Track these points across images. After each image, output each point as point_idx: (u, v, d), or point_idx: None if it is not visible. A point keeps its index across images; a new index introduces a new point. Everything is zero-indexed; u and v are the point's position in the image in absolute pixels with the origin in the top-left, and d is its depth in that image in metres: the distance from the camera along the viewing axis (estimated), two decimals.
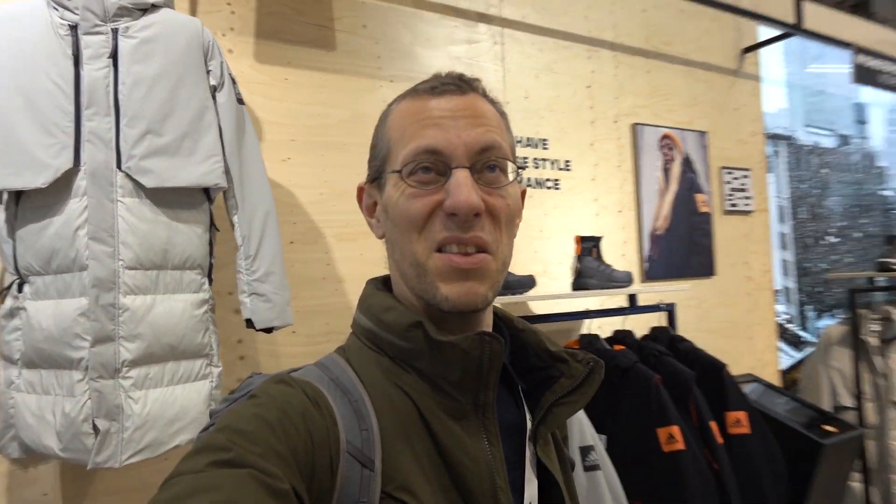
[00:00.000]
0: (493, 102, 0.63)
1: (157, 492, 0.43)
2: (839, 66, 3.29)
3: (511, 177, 0.60)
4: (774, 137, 3.11)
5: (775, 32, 2.92)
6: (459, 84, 0.61)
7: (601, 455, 1.73)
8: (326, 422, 0.53)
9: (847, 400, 2.91)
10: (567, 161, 2.41)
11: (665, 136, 2.68)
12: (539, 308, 2.24)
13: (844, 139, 3.44)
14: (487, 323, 0.64)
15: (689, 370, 2.00)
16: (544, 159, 2.36)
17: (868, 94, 3.59)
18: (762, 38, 3.02)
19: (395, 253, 0.61)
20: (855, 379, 2.89)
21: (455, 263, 0.56)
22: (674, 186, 2.70)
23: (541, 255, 2.31)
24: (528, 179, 2.30)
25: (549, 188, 2.36)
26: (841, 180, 3.39)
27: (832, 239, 3.34)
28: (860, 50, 2.95)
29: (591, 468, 1.69)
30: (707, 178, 2.81)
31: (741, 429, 2.03)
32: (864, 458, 2.75)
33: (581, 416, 1.73)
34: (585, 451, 1.70)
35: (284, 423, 0.50)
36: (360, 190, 0.67)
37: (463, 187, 0.55)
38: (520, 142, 2.29)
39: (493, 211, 0.57)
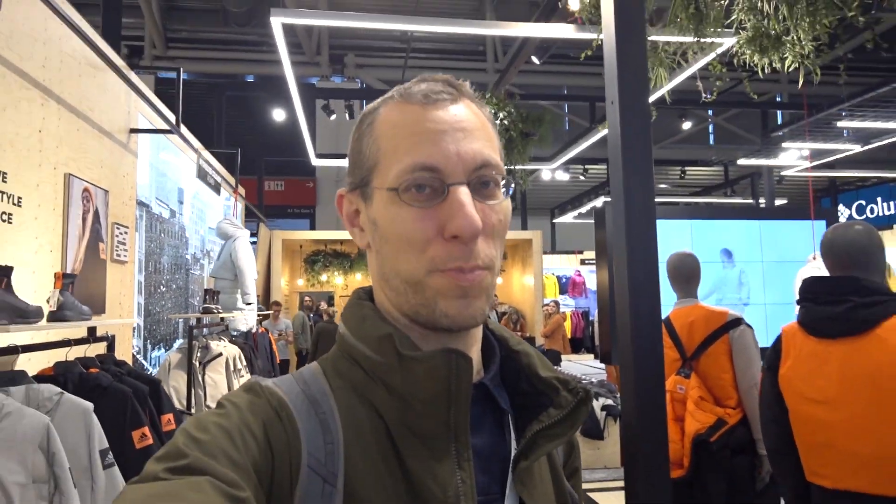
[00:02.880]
0: (480, 107, 0.61)
1: (115, 500, 0.43)
2: (177, 155, 4.37)
3: (503, 192, 0.58)
4: (140, 204, 3.87)
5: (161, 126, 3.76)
6: (451, 91, 0.59)
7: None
8: (288, 434, 0.52)
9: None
10: (20, 197, 2.47)
11: (85, 189, 3.03)
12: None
13: (173, 213, 4.52)
14: (477, 339, 0.62)
15: (142, 385, 2.52)
16: (2, 192, 2.36)
17: (186, 182, 4.83)
18: (143, 126, 3.78)
19: (383, 267, 0.58)
20: (187, 393, 3.88)
21: (458, 281, 0.54)
22: (87, 234, 3.06)
23: None
24: None
25: (3, 221, 2.36)
26: (170, 244, 4.42)
27: (163, 288, 4.30)
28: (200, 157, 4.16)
29: (108, 466, 2.02)
30: (106, 231, 3.28)
31: (171, 426, 2.68)
32: None
33: (93, 420, 2.02)
34: (104, 453, 2.01)
35: (244, 432, 0.49)
36: (341, 197, 0.64)
37: (466, 208, 0.53)
38: None
39: (488, 228, 0.56)
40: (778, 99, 12.07)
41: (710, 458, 2.30)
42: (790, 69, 3.58)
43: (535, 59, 5.84)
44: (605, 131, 2.32)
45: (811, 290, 1.77)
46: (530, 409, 0.62)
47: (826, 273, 1.81)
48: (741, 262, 5.95)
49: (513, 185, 0.61)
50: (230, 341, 4.34)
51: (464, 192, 0.54)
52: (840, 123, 7.28)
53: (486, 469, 0.57)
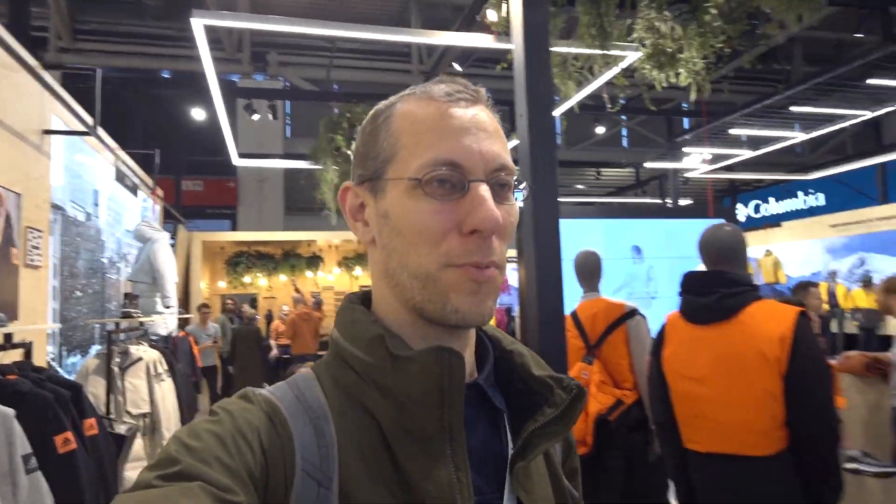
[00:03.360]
0: (494, 113, 0.62)
1: None
2: (92, 156, 4.26)
3: (517, 194, 0.59)
4: (55, 207, 3.76)
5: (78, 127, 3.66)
6: (471, 94, 0.59)
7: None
8: (282, 439, 0.52)
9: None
10: None
11: None
12: None
13: (89, 215, 4.39)
14: (472, 339, 0.62)
15: (64, 390, 2.51)
16: None
17: (102, 184, 4.69)
18: (57, 127, 3.68)
19: (390, 262, 0.58)
20: (106, 398, 3.81)
21: (474, 276, 0.54)
22: None
23: None
24: None
25: None
26: (85, 248, 4.29)
27: (79, 293, 4.18)
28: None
29: (31, 471, 2.02)
30: (18, 235, 3.19)
31: (93, 431, 2.67)
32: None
33: (14, 425, 2.02)
34: (26, 458, 2.02)
35: (237, 439, 0.49)
36: (346, 190, 0.63)
37: (486, 203, 0.54)
38: None
39: (502, 228, 0.56)
40: (684, 106, 12.93)
41: (610, 436, 2.57)
42: (685, 83, 3.95)
43: (456, 66, 6.06)
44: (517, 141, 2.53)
45: (688, 283, 2.04)
46: (525, 408, 0.62)
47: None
48: (650, 259, 6.33)
49: (525, 191, 0.61)
50: (150, 346, 4.27)
51: (485, 189, 0.55)
52: (733, 131, 7.96)
53: (482, 470, 0.57)
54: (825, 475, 1.77)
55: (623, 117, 14.31)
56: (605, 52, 3.57)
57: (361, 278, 12.05)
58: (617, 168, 12.64)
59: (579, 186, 14.77)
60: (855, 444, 3.44)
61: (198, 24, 4.44)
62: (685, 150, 8.31)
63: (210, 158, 12.72)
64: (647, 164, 9.18)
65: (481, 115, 0.59)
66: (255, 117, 8.00)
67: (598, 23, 3.66)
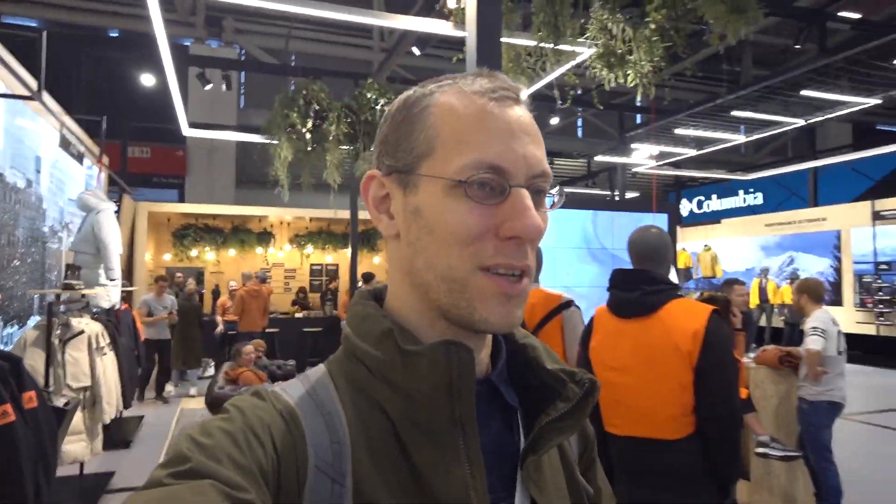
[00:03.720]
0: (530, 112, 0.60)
1: None
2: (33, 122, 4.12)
3: (548, 202, 0.59)
4: None
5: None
6: (514, 93, 0.58)
7: None
8: (294, 436, 0.52)
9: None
10: None
11: None
12: None
13: (29, 182, 4.27)
14: (486, 336, 0.61)
15: (2, 362, 2.49)
16: None
17: (45, 150, 4.54)
18: None
19: (416, 259, 0.57)
20: (45, 371, 3.75)
21: (505, 289, 0.54)
22: None
23: None
24: None
25: None
26: (25, 215, 4.17)
27: (17, 262, 4.08)
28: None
29: None
30: None
31: (32, 404, 2.66)
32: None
33: None
34: None
35: (248, 436, 0.50)
36: (371, 179, 0.61)
37: (529, 210, 0.53)
38: None
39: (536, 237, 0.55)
40: (639, 102, 13.29)
41: None
42: (632, 84, 4.13)
43: (415, 50, 6.08)
44: None
45: (615, 279, 2.20)
46: (538, 402, 0.61)
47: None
48: (596, 249, 6.56)
49: (557, 198, 0.60)
50: (92, 318, 4.21)
51: (526, 195, 0.54)
52: (678, 130, 8.29)
53: (494, 467, 0.56)
54: (728, 457, 1.98)
55: (579, 109, 14.60)
56: (557, 47, 3.70)
57: (312, 256, 12.00)
58: (570, 159, 12.92)
59: None
60: (766, 430, 3.75)
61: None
62: (633, 146, 8.61)
63: (158, 126, 12.32)
64: (598, 158, 9.44)
65: (525, 116, 0.57)
66: (208, 87, 7.81)
67: (552, 21, 3.77)
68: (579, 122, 17.24)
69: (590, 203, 10.16)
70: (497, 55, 2.86)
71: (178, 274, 9.56)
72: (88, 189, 5.40)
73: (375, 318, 0.58)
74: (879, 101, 7.21)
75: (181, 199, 13.88)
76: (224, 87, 8.04)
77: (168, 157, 14.24)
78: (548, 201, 0.59)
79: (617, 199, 9.98)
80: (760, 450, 3.67)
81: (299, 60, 15.15)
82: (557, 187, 0.59)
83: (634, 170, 10.52)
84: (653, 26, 3.76)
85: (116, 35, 13.28)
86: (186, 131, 8.35)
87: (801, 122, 7.77)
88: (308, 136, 6.04)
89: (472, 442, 0.54)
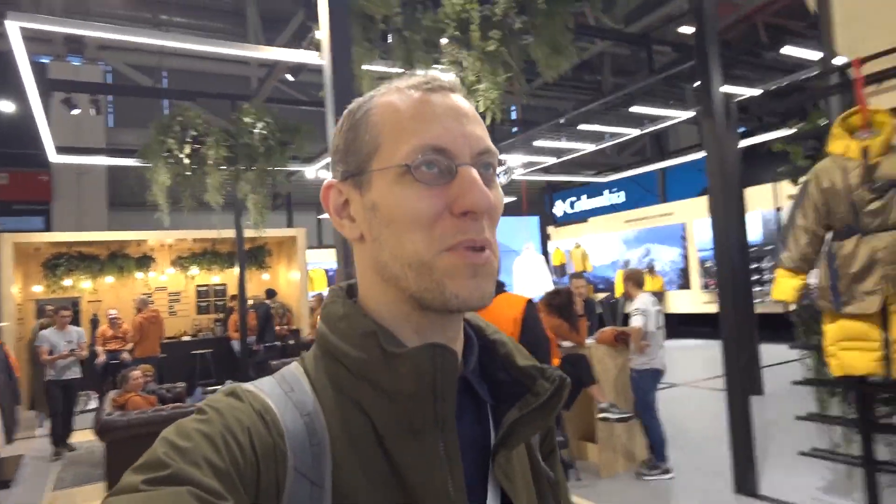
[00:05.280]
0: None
1: None
2: None
3: (500, 178, 0.60)
4: None
5: None
6: (447, 83, 0.59)
7: None
8: (273, 437, 0.51)
9: None
10: None
11: None
12: None
13: None
14: (461, 328, 0.62)
15: None
16: None
17: None
18: None
19: (381, 254, 0.57)
20: None
21: (470, 259, 0.54)
22: None
23: None
24: None
25: None
26: None
27: None
28: None
29: None
30: None
31: None
32: None
33: None
34: None
35: (227, 438, 0.49)
36: (329, 188, 0.62)
37: (478, 184, 0.54)
38: None
39: (493, 208, 0.56)
40: (514, 114, 14.30)
41: None
42: (483, 111, 4.74)
43: (289, 77, 6.38)
44: None
45: None
46: (508, 397, 0.62)
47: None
48: None
49: (507, 174, 0.61)
50: None
51: (473, 171, 0.55)
52: (536, 143, 9.22)
53: (466, 459, 0.57)
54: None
55: None
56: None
57: (198, 277, 11.80)
58: None
59: None
60: (607, 398, 4.47)
61: (13, 27, 4.36)
62: (501, 157, 9.44)
63: (17, 151, 11.56)
64: None
65: (460, 101, 0.59)
66: (76, 112, 7.59)
67: (409, 58, 4.30)
68: None
69: None
70: (349, 81, 3.30)
71: (49, 307, 9.10)
72: None
73: (356, 318, 0.58)
74: (692, 114, 8.45)
75: (48, 227, 13.05)
76: (93, 111, 7.84)
77: (30, 183, 13.33)
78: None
79: None
80: (601, 415, 4.39)
81: (173, 78, 14.72)
82: (505, 165, 0.60)
83: None
84: (495, 61, 4.37)
85: None
86: (53, 157, 8.05)
87: (637, 132, 8.94)
88: (186, 160, 6.16)
89: (452, 441, 0.55)
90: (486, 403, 0.63)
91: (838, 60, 3.39)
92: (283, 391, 0.56)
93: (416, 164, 0.54)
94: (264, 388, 0.57)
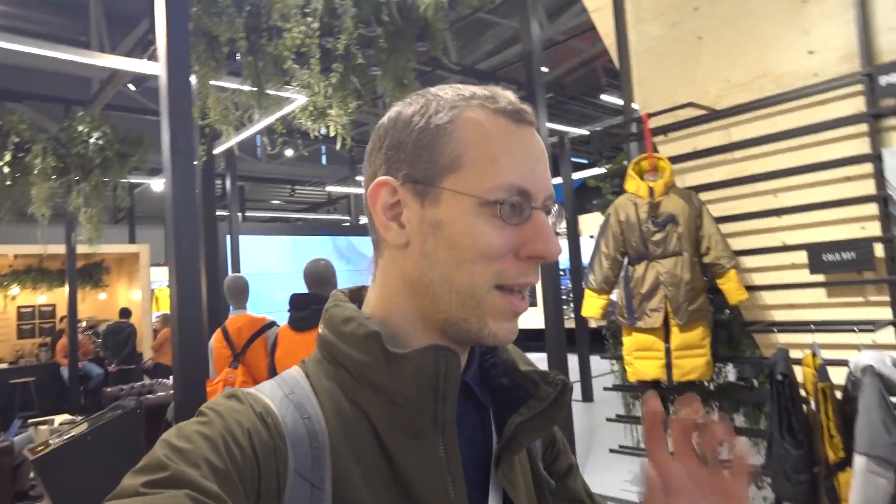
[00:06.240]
0: None
1: None
2: None
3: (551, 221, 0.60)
4: None
5: None
6: (531, 117, 0.59)
7: None
8: (274, 440, 0.51)
9: None
10: None
11: None
12: None
13: None
14: None
15: None
16: None
17: None
18: None
19: (430, 272, 0.57)
20: None
21: (516, 307, 0.57)
22: None
23: None
24: None
25: None
26: None
27: None
28: None
29: None
30: None
31: None
32: None
33: None
34: None
35: (228, 440, 0.49)
36: (383, 185, 0.59)
37: (552, 234, 0.56)
38: None
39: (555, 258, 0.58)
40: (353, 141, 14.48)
41: None
42: (333, 135, 4.86)
43: (131, 87, 6.06)
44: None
45: (293, 302, 2.83)
46: (510, 403, 0.62)
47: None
48: (345, 270, 7.15)
49: (560, 218, 0.62)
50: None
51: (545, 217, 0.58)
52: None
53: (469, 465, 0.57)
54: None
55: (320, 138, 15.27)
56: (260, 107, 4.26)
57: (20, 297, 10.57)
58: (311, 186, 13.52)
59: (275, 202, 15.25)
60: None
61: None
62: (358, 178, 9.59)
63: None
64: (329, 188, 10.22)
65: (540, 141, 0.60)
66: None
67: (257, 81, 4.33)
68: (323, 149, 17.95)
69: (328, 229, 10.89)
70: (187, 94, 3.26)
71: None
72: None
73: (358, 320, 0.57)
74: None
75: None
76: None
77: None
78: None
79: (348, 225, 10.84)
80: None
81: None
82: (556, 206, 0.61)
83: None
84: (343, 89, 4.54)
85: None
86: None
87: None
88: (7, 169, 5.60)
89: (452, 444, 0.56)
90: (488, 410, 0.64)
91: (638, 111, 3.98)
92: (284, 393, 0.56)
93: (503, 202, 0.55)
94: (265, 391, 0.57)
